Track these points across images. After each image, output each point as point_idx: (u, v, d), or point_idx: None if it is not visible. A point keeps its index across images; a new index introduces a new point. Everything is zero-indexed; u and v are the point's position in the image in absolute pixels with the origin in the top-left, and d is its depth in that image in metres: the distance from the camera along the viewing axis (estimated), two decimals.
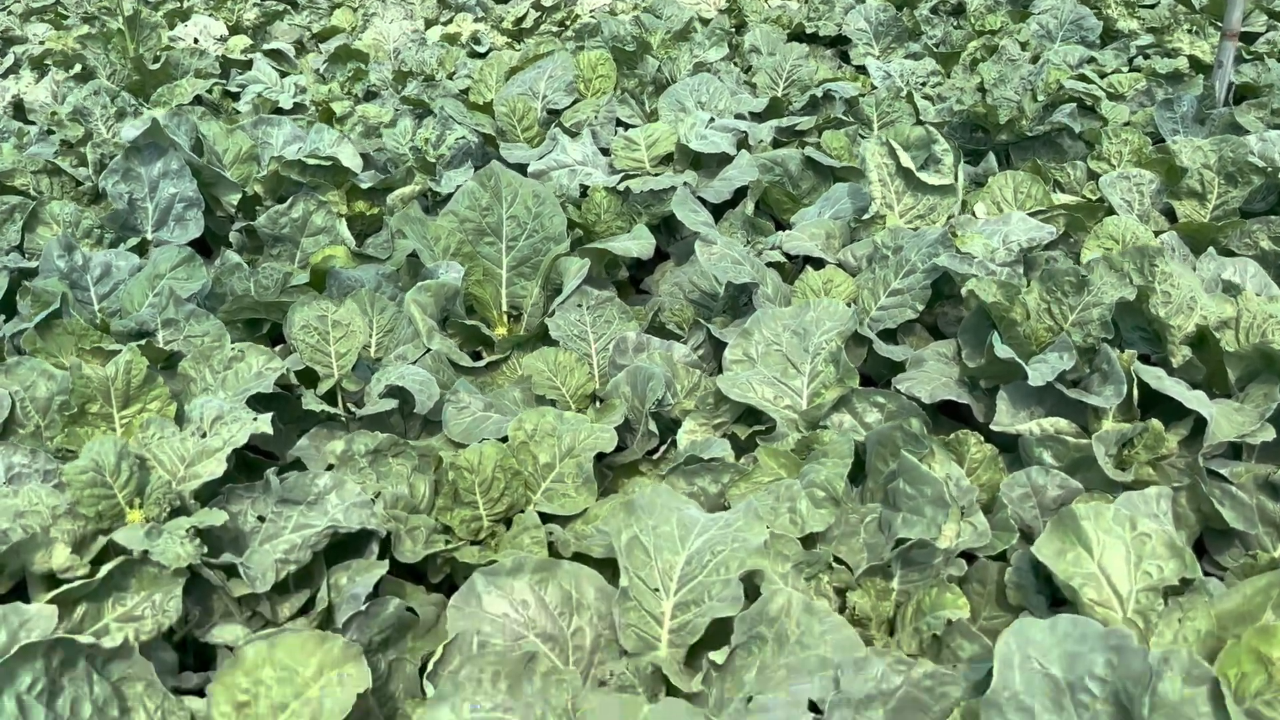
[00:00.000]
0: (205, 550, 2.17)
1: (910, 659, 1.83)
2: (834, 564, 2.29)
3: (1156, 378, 2.54)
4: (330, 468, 2.57)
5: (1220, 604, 2.01)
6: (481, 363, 3.36)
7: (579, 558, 2.38)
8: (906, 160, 3.70)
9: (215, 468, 2.35)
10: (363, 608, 2.08)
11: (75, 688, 1.80)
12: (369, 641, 2.08)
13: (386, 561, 2.29)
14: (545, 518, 2.60)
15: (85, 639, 1.81)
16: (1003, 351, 2.58)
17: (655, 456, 2.95)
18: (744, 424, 2.90)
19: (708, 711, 1.87)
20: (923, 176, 3.70)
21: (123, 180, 4.11)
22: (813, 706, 1.77)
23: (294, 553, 2.25)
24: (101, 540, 2.25)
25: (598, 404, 3.16)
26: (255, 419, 2.45)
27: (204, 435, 2.45)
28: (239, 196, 4.37)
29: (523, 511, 2.62)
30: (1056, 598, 2.17)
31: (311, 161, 4.29)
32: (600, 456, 2.93)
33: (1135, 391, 2.56)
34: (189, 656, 2.35)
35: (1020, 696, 1.65)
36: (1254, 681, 1.82)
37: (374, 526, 2.34)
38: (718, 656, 2.01)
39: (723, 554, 2.14)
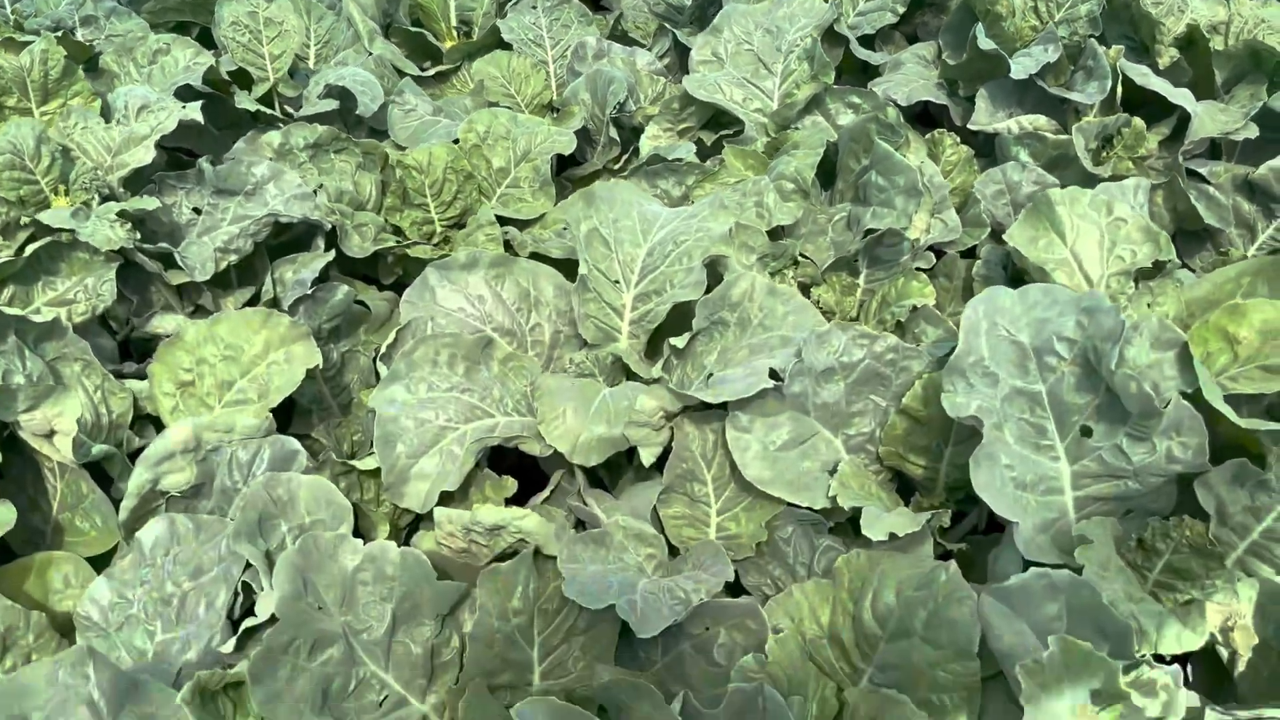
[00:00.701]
0: (139, 237, 2.05)
1: (873, 334, 1.78)
2: (800, 259, 2.22)
3: (1142, 74, 2.41)
4: None
5: (1190, 291, 1.98)
6: (430, 71, 3.14)
7: (536, 258, 2.29)
8: None
9: (144, 155, 2.19)
10: (309, 291, 1.99)
11: (5, 361, 1.72)
12: (318, 328, 2.00)
13: (333, 252, 2.19)
14: (502, 221, 2.49)
15: (12, 311, 1.71)
16: (986, 44, 2.42)
17: (616, 166, 2.82)
18: (710, 129, 2.76)
19: (670, 386, 1.84)
20: None
21: None
22: (774, 376, 1.73)
23: (234, 242, 2.13)
24: (29, 229, 2.11)
25: (554, 115, 2.98)
26: (184, 107, 2.26)
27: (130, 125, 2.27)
28: None
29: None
30: None
31: None
32: (560, 167, 2.79)
33: (1119, 89, 2.43)
34: (133, 357, 2.27)
35: (985, 362, 1.61)
36: (1220, 359, 1.81)
37: (316, 218, 2.22)
38: (678, 341, 1.96)
39: (685, 244, 2.05)
